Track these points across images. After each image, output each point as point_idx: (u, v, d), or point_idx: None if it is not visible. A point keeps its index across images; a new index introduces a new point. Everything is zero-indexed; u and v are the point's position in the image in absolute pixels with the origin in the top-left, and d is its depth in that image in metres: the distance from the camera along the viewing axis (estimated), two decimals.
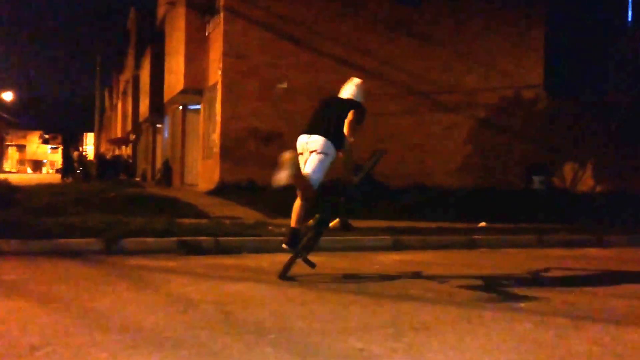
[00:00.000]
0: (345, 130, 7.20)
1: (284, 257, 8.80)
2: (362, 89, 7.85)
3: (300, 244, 7.26)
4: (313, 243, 7.45)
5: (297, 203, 7.33)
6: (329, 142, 7.26)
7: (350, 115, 7.27)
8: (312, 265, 7.19)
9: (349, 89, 7.82)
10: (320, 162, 7.23)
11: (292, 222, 7.33)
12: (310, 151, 7.31)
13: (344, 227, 7.66)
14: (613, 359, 4.31)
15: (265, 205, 14.65)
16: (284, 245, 7.33)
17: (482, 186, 20.30)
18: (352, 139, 7.24)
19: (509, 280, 7.45)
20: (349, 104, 7.55)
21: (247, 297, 6.09)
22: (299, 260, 7.22)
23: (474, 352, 4.37)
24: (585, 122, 22.28)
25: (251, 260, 8.64)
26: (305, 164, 7.30)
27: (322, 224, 7.45)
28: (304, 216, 7.34)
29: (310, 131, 7.43)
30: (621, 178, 21.95)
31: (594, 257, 10.27)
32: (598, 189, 22.39)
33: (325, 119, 7.50)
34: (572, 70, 22.98)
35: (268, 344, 4.39)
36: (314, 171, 7.20)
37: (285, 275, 7.14)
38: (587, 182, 22.93)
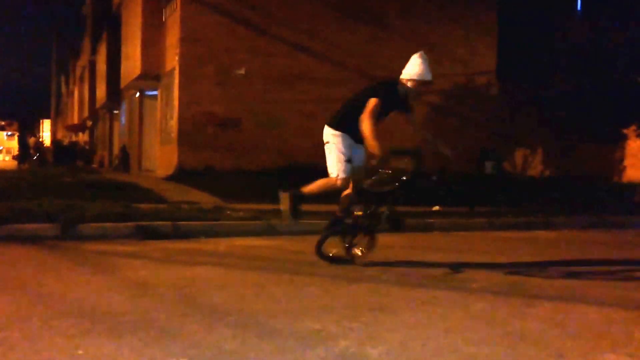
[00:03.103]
0: (361, 125, 6.78)
1: (241, 241, 8.88)
2: (417, 62, 7.03)
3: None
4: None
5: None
6: (330, 129, 7.09)
7: (368, 105, 6.83)
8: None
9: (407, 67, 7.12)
10: (329, 152, 7.08)
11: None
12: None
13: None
14: (564, 335, 4.41)
15: (223, 190, 14.66)
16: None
17: (435, 170, 20.45)
18: (368, 139, 6.76)
19: (463, 261, 7.56)
20: (372, 89, 7.14)
21: (205, 281, 6.10)
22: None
23: (429, 331, 4.43)
24: (535, 108, 22.58)
25: (209, 245, 8.62)
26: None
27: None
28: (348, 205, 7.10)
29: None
30: (568, 163, 22.31)
31: (543, 239, 10.50)
32: (547, 173, 22.76)
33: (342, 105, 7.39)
34: (524, 57, 23.19)
35: (226, 326, 4.40)
36: (329, 165, 7.08)
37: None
38: (536, 167, 23.27)
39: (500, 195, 15.13)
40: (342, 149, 6.96)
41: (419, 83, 7.04)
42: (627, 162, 21.68)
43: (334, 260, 7.08)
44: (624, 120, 20.70)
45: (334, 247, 7.16)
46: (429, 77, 7.04)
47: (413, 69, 7.00)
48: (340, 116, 7.15)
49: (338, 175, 6.94)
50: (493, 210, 12.74)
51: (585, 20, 22.72)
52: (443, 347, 4.05)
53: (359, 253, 7.03)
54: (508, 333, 4.42)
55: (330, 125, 7.10)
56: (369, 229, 7.02)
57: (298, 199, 7.20)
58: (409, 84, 7.05)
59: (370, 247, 7.05)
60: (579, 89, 20.67)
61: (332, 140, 7.01)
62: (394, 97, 7.08)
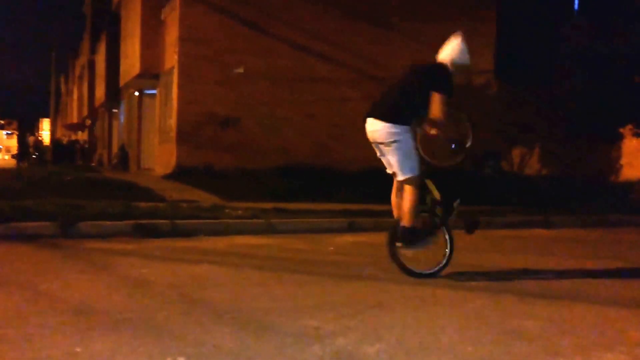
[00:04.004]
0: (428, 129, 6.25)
1: (240, 240, 8.88)
2: (461, 46, 6.62)
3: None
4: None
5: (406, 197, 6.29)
6: (392, 125, 6.22)
7: (435, 100, 6.17)
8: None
9: (445, 50, 6.65)
10: (397, 151, 6.26)
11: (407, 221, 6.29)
12: (377, 143, 6.38)
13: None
14: (561, 333, 4.42)
15: (223, 189, 14.67)
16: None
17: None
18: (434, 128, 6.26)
19: (461, 260, 7.57)
20: (431, 77, 6.41)
21: (203, 279, 6.11)
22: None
23: (426, 329, 4.45)
24: (533, 108, 22.58)
25: (208, 243, 8.63)
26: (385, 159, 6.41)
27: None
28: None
29: (370, 113, 6.39)
30: (565, 162, 22.33)
31: (541, 237, 10.54)
32: (544, 172, 22.79)
33: (390, 93, 6.54)
34: (523, 57, 23.17)
35: (225, 324, 4.42)
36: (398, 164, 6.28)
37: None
38: (534, 166, 23.29)
39: (499, 194, 15.14)
40: (413, 146, 6.32)
41: (459, 68, 6.57)
42: (623, 161, 21.73)
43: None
44: (621, 119, 20.70)
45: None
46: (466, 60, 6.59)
47: (455, 53, 6.59)
48: (399, 109, 6.31)
49: (414, 174, 6.26)
50: (491, 209, 12.74)
51: (583, 19, 22.68)
52: (440, 345, 4.07)
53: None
54: (505, 331, 4.44)
55: (393, 121, 6.24)
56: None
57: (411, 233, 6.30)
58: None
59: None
60: (576, 89, 20.66)
61: (400, 138, 6.21)
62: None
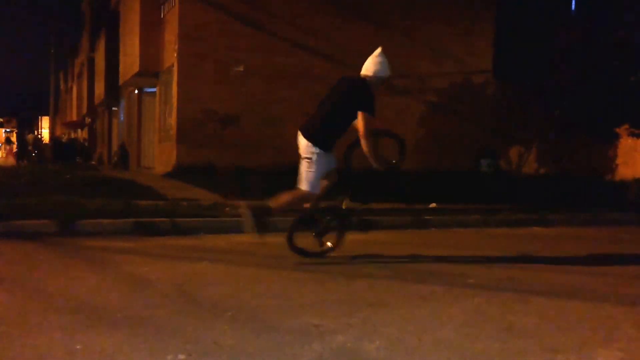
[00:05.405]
0: (363, 146, 6.77)
1: (241, 238, 8.89)
2: (381, 60, 7.19)
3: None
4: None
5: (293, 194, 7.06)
6: (312, 146, 6.81)
7: (360, 120, 6.77)
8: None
9: (366, 63, 7.22)
10: (308, 167, 6.87)
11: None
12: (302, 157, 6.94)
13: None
14: (558, 330, 4.46)
15: (223, 187, 14.67)
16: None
17: (432, 169, 20.56)
18: (372, 159, 6.92)
19: (459, 257, 7.61)
20: (355, 97, 6.98)
21: (203, 277, 6.13)
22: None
23: (426, 325, 4.49)
24: (530, 107, 22.63)
25: (208, 241, 8.66)
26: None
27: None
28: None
29: (301, 128, 7.01)
30: (562, 161, 22.38)
31: (538, 235, 10.54)
32: (541, 171, 22.84)
33: (321, 110, 7.07)
34: (521, 57, 23.18)
35: (225, 322, 4.45)
36: (305, 178, 6.91)
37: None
38: (531, 165, 23.34)
39: (496, 192, 15.17)
40: (324, 169, 6.89)
41: (380, 80, 7.14)
42: (619, 160, 21.77)
43: (305, 253, 7.20)
44: (617, 119, 20.74)
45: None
46: (388, 73, 7.17)
47: (376, 66, 7.12)
48: (323, 133, 6.89)
49: (311, 191, 6.89)
50: (489, 207, 12.77)
51: (579, 20, 22.71)
52: (439, 342, 4.10)
53: (329, 245, 7.29)
54: (503, 327, 4.47)
55: (314, 143, 6.81)
56: (339, 226, 7.31)
57: (265, 213, 7.19)
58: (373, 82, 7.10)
59: (340, 242, 7.28)
60: (573, 89, 20.70)
61: (315, 159, 6.79)
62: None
